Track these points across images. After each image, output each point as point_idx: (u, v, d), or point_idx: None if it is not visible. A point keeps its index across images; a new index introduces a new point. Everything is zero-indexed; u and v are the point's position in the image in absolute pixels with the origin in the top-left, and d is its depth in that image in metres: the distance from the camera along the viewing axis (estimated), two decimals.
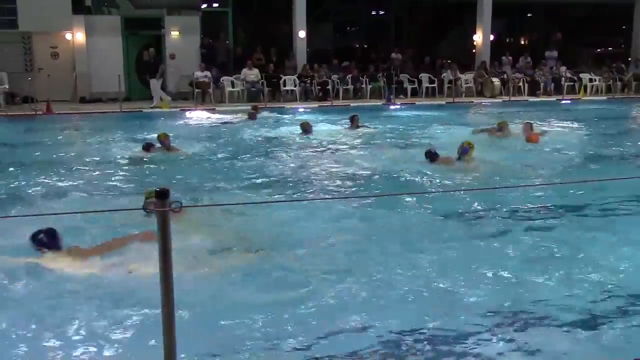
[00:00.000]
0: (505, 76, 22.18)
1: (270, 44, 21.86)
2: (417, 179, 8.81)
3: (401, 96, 21.06)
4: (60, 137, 13.84)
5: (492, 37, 23.86)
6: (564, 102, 20.97)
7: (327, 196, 8.03)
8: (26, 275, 5.06)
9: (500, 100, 20.97)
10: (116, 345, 4.14)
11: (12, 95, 18.54)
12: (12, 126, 15.25)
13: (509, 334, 4.28)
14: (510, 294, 4.90)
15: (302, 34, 21.44)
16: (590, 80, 22.97)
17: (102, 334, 4.26)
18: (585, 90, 22.35)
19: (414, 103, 20.11)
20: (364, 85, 21.23)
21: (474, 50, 24.21)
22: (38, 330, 4.31)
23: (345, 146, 12.00)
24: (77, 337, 4.23)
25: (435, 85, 21.73)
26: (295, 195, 8.04)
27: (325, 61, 21.86)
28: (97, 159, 10.73)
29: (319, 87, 20.58)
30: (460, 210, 7.12)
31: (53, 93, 17.73)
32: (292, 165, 10.18)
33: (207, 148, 11.87)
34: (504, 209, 7.20)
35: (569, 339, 4.22)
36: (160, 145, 10.75)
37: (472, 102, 20.73)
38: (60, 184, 8.79)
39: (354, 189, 8.39)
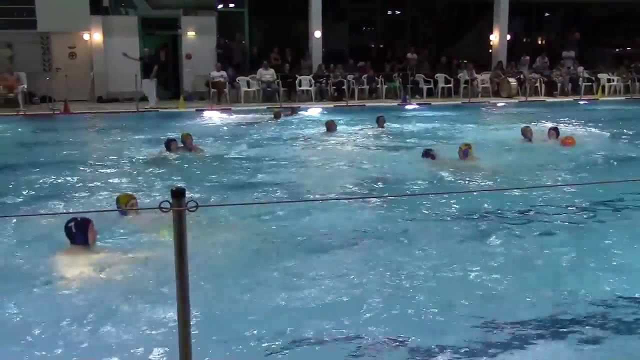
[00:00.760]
0: (522, 76, 22.04)
1: (286, 44, 21.90)
2: (449, 179, 8.78)
3: (417, 96, 21.00)
4: (78, 136, 13.96)
5: (508, 37, 23.72)
6: (581, 102, 20.78)
7: (347, 196, 7.98)
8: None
9: (517, 100, 20.83)
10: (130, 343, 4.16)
11: (31, 95, 18.73)
12: (30, 125, 15.41)
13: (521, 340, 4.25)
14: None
15: (317, 33, 21.45)
16: (609, 80, 22.75)
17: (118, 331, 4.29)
18: (603, 91, 22.14)
19: (430, 103, 20.04)
20: (379, 85, 21.19)
21: (490, 50, 24.07)
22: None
23: (371, 146, 12.01)
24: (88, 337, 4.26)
25: (451, 85, 21.63)
26: (317, 195, 8.01)
27: (341, 61, 21.86)
28: (115, 158, 10.80)
29: (334, 87, 20.57)
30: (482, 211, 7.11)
31: (71, 93, 17.88)
32: (315, 164, 10.19)
33: (229, 147, 11.92)
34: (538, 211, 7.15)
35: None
36: (182, 145, 10.82)
37: (489, 102, 20.61)
38: (77, 183, 8.85)
39: (377, 189, 8.33)
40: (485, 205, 7.35)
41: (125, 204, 6.40)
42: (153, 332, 4.27)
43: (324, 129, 13.52)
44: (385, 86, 21.15)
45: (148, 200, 7.33)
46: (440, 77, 21.73)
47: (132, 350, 4.06)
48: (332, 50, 23.00)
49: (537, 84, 22.05)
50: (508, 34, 23.65)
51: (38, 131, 14.50)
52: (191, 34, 20.37)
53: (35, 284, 4.97)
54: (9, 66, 18.86)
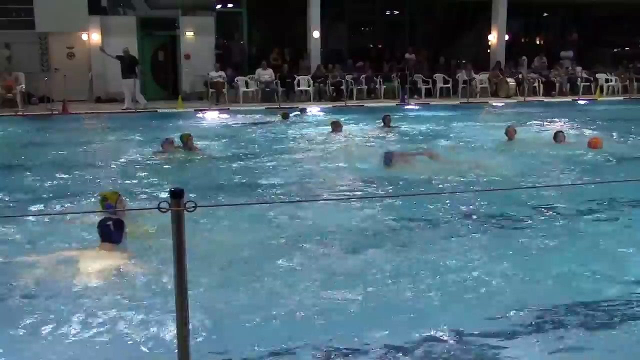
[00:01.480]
0: (520, 76, 22.06)
1: (285, 44, 21.90)
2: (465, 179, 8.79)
3: (415, 96, 21.01)
4: (77, 136, 13.94)
5: (507, 38, 23.74)
6: (580, 102, 20.81)
7: (347, 196, 7.96)
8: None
9: (515, 100, 20.85)
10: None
11: (29, 95, 18.72)
12: (29, 126, 15.39)
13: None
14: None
15: (316, 34, 21.46)
16: (607, 80, 22.78)
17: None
18: (601, 91, 22.17)
19: (429, 103, 20.06)
20: (378, 86, 21.20)
21: (488, 51, 24.09)
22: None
23: (377, 145, 12.02)
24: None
25: (449, 85, 21.66)
26: (325, 195, 8.01)
27: (340, 61, 21.87)
28: (112, 158, 10.79)
29: (333, 88, 20.58)
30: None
31: (69, 93, 17.86)
32: (319, 164, 10.18)
33: (230, 148, 11.93)
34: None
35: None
36: (181, 145, 10.81)
37: (487, 102, 20.63)
38: (76, 183, 8.85)
39: (382, 189, 8.33)
40: (482, 205, 7.35)
41: (115, 201, 6.36)
42: (151, 332, 4.27)
43: (329, 128, 13.49)
44: (384, 86, 21.17)
45: (147, 201, 7.34)
46: (438, 77, 21.75)
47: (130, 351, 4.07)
48: (331, 51, 23.00)
49: (536, 84, 22.07)
50: (506, 34, 23.68)
51: (36, 131, 14.48)
52: (190, 34, 20.37)
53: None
54: (7, 66, 18.86)
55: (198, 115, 17.55)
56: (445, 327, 4.30)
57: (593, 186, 7.99)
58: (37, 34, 19.32)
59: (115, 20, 20.05)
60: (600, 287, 5.02)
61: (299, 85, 20.55)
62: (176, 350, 3.11)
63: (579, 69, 23.07)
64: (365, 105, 19.26)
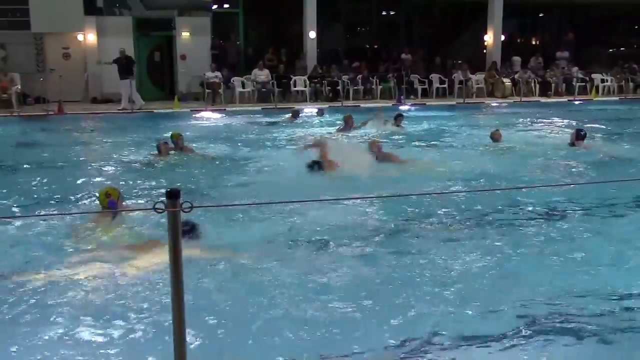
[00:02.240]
0: (516, 76, 22.09)
1: (281, 45, 21.89)
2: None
3: (412, 97, 21.03)
4: (72, 137, 13.92)
5: (503, 38, 23.78)
6: (575, 102, 20.86)
7: (346, 197, 7.92)
8: None
9: (512, 100, 20.89)
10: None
11: (25, 96, 18.67)
12: (24, 126, 15.35)
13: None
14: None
15: (312, 34, 21.46)
16: (602, 80, 22.84)
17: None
18: (597, 91, 22.22)
19: (425, 104, 20.08)
20: (374, 86, 21.22)
21: (484, 51, 24.13)
22: None
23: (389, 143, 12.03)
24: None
25: (445, 85, 21.68)
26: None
27: (336, 61, 21.88)
28: (108, 159, 10.76)
29: (329, 88, 20.58)
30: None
31: (65, 93, 17.83)
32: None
33: (223, 147, 11.90)
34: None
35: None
36: (173, 146, 10.76)
37: (483, 102, 20.66)
38: (71, 183, 8.83)
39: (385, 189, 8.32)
40: (478, 205, 7.37)
41: (117, 198, 6.33)
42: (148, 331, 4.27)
43: (341, 126, 13.55)
44: (380, 87, 21.18)
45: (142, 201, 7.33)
46: (434, 77, 21.77)
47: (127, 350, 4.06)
48: (327, 51, 23.01)
49: (532, 84, 22.11)
50: (502, 34, 23.72)
51: (32, 132, 14.45)
52: (186, 34, 20.35)
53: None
54: (2, 67, 18.81)
55: (195, 115, 17.52)
56: (438, 330, 4.31)
57: (590, 186, 8.02)
58: (33, 35, 19.27)
59: (111, 21, 20.01)
60: (600, 286, 5.05)
61: (295, 86, 20.55)
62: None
63: (575, 69, 23.10)
64: (362, 105, 19.26)
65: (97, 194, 6.60)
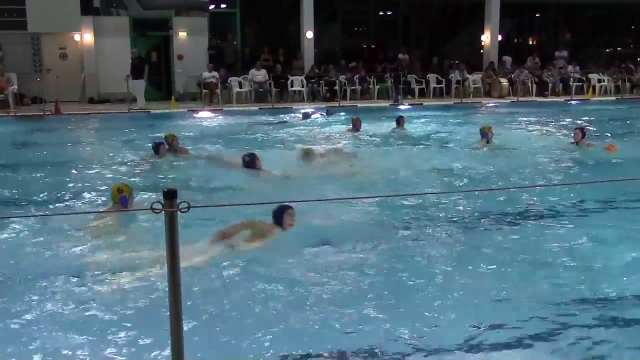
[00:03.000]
0: (513, 76, 22.11)
1: (278, 45, 21.89)
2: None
3: (409, 97, 21.04)
4: (69, 137, 13.90)
5: (500, 38, 23.81)
6: (572, 102, 20.88)
7: (346, 197, 7.93)
8: None
9: (509, 100, 20.92)
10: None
11: (21, 96, 18.64)
12: (21, 126, 15.33)
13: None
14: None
15: (309, 34, 21.46)
16: (599, 80, 22.87)
17: None
18: (593, 91, 22.26)
19: (422, 104, 20.08)
20: (371, 86, 21.22)
21: (482, 51, 24.16)
22: None
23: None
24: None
25: (443, 85, 21.69)
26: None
27: (333, 61, 21.88)
28: (105, 159, 10.75)
29: (327, 88, 20.59)
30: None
31: (61, 94, 17.79)
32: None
33: (223, 148, 11.90)
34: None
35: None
36: (168, 147, 10.73)
37: (480, 102, 20.68)
38: (67, 184, 8.82)
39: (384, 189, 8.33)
40: (475, 205, 7.38)
41: (129, 194, 6.37)
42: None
43: (349, 126, 13.59)
44: (377, 87, 21.18)
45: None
46: (432, 77, 21.78)
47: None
48: (324, 51, 23.01)
49: (529, 84, 22.13)
50: (499, 34, 23.75)
51: (29, 132, 14.42)
52: (183, 34, 20.32)
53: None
54: None
55: (193, 115, 17.51)
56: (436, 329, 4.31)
57: (600, 184, 8.02)
58: (30, 35, 19.23)
59: (108, 21, 19.99)
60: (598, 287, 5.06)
61: (292, 86, 20.55)
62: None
63: (570, 67, 23.12)
64: (359, 105, 19.26)
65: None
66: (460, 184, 8.76)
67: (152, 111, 17.89)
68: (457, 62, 22.84)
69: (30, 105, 18.27)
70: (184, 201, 2.98)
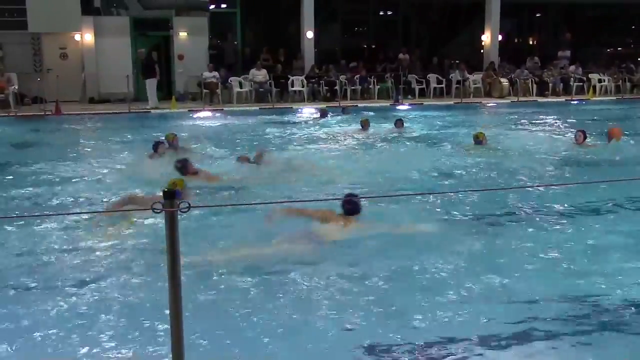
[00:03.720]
0: (513, 76, 22.10)
1: (279, 45, 21.88)
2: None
3: (409, 97, 21.03)
4: (69, 137, 13.91)
5: (500, 38, 23.80)
6: (572, 102, 20.88)
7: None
8: None
9: (509, 100, 20.91)
10: None
11: (22, 96, 18.64)
12: (21, 126, 15.33)
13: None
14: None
15: (310, 34, 21.46)
16: (600, 80, 22.86)
17: None
18: (594, 91, 22.25)
19: (422, 103, 20.08)
20: (371, 86, 21.22)
21: (482, 51, 24.15)
22: None
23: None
24: None
25: (443, 85, 21.68)
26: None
27: (333, 61, 21.87)
28: (105, 159, 10.74)
29: (327, 88, 20.59)
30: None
31: (62, 93, 17.79)
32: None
33: (223, 147, 11.88)
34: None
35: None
36: (168, 146, 10.72)
37: (481, 102, 20.68)
38: (67, 184, 8.81)
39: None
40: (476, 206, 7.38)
41: (183, 188, 6.42)
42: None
43: (358, 127, 13.64)
44: (378, 87, 21.18)
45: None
46: (432, 77, 21.77)
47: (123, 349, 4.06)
48: (325, 51, 23.00)
49: (530, 84, 22.12)
50: (500, 34, 23.74)
51: (29, 132, 14.42)
52: (183, 34, 20.32)
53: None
54: None
55: (193, 115, 17.51)
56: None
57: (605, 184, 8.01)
58: (30, 35, 19.24)
59: (109, 21, 19.99)
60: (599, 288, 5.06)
61: (292, 86, 20.54)
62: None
63: (572, 68, 23.09)
64: (359, 105, 19.25)
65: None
66: (453, 184, 8.74)
67: (153, 111, 17.90)
68: (457, 62, 22.82)
69: (30, 105, 18.27)
70: (184, 201, 2.97)
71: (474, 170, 9.52)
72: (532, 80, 22.25)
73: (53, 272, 5.26)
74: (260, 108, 18.77)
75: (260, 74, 20.09)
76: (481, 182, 8.90)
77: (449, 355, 3.99)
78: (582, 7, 26.18)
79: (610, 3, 25.65)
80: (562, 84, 22.46)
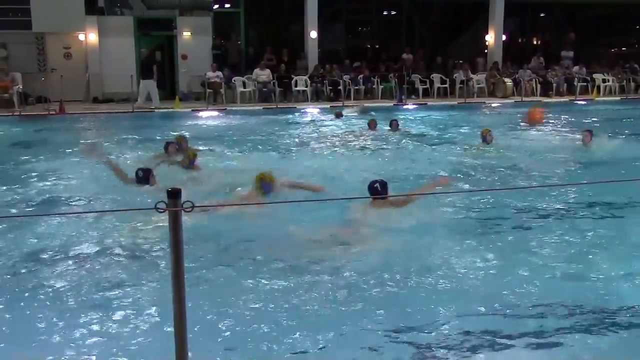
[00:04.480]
0: (517, 76, 22.05)
1: (282, 44, 21.88)
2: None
3: (413, 96, 21.00)
4: (74, 137, 13.91)
5: (504, 38, 23.75)
6: (576, 102, 20.82)
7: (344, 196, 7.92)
8: None
9: (513, 100, 20.87)
10: None
11: (26, 96, 18.67)
12: (25, 126, 15.35)
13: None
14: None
15: (313, 34, 21.45)
16: (604, 80, 22.79)
17: None
18: (598, 91, 22.19)
19: (426, 103, 20.05)
20: (375, 86, 21.20)
21: (486, 51, 24.10)
22: None
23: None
24: None
25: (447, 85, 21.65)
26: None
27: (337, 61, 21.86)
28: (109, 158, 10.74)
29: (330, 88, 20.57)
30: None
31: (66, 93, 17.83)
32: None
33: (227, 147, 11.88)
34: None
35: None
36: (177, 147, 10.73)
37: (484, 102, 20.63)
38: (71, 183, 8.83)
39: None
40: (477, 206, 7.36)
41: (271, 182, 6.47)
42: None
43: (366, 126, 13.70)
44: (381, 86, 21.16)
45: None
46: (436, 77, 21.74)
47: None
48: (328, 51, 22.98)
49: (534, 84, 22.06)
50: (503, 34, 23.69)
51: (33, 132, 14.45)
52: (187, 34, 20.34)
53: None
54: (3, 67, 18.81)
55: (196, 115, 17.51)
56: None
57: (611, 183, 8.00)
58: (34, 34, 19.28)
59: (112, 21, 20.01)
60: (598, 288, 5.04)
61: (296, 86, 20.54)
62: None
63: (576, 68, 23.01)
64: (363, 105, 19.21)
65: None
66: (458, 184, 8.74)
67: (156, 110, 17.92)
68: (461, 61, 22.78)
69: (34, 104, 18.30)
70: (188, 200, 2.97)
71: (479, 170, 9.51)
72: (536, 80, 22.20)
73: (55, 272, 5.28)
74: (263, 108, 18.77)
75: (263, 74, 20.09)
76: (484, 182, 8.88)
77: (448, 355, 3.99)
78: (586, 7, 26.10)
79: (615, 3, 25.56)
80: (565, 84, 22.41)
